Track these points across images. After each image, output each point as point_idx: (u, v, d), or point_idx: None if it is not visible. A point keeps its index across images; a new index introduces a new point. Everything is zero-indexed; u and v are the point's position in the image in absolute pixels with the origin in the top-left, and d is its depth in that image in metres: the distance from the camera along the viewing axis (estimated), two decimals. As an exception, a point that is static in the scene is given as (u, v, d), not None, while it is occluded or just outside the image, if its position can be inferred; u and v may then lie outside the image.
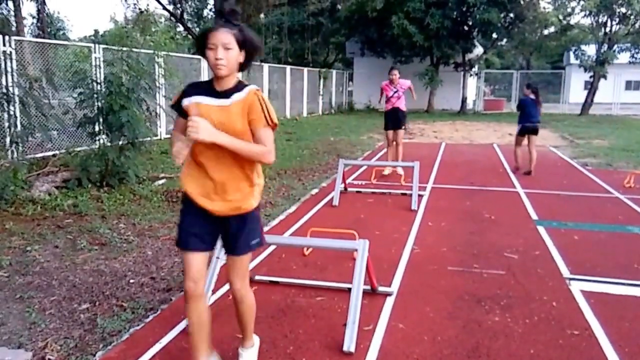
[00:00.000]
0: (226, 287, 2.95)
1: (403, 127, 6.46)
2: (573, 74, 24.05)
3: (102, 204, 4.83)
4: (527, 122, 6.74)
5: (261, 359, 2.18)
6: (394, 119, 6.39)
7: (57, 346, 2.32)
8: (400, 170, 6.28)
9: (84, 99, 5.32)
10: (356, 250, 2.52)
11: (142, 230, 4.15)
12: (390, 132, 6.46)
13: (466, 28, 19.57)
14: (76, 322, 2.58)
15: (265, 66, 15.03)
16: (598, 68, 17.71)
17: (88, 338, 2.41)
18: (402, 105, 6.41)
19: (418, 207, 4.92)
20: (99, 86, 5.48)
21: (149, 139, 5.88)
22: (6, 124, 5.64)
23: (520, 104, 6.96)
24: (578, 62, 18.80)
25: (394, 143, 6.54)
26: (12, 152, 5.48)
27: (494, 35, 20.08)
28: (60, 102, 6.11)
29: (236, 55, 1.74)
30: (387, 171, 6.48)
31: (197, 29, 24.37)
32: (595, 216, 4.73)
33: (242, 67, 1.82)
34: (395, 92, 6.37)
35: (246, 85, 1.83)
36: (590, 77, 18.73)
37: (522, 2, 18.45)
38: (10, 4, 9.59)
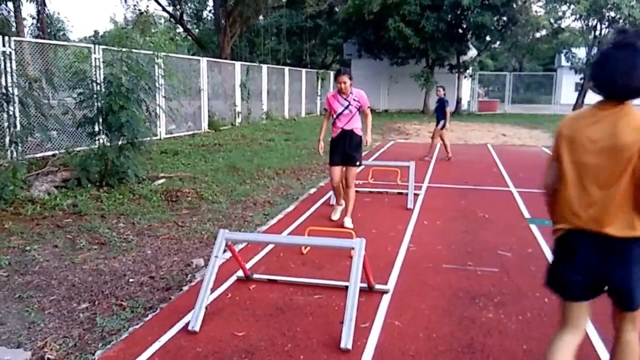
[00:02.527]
0: (224, 286, 2.99)
1: (358, 163, 4.04)
2: (564, 75, 24.36)
3: (101, 203, 4.85)
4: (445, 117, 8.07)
5: (259, 357, 2.22)
6: (345, 149, 4.00)
7: (56, 345, 2.34)
8: (348, 223, 4.13)
9: (84, 99, 5.35)
10: (353, 248, 2.56)
11: (141, 229, 4.17)
12: (337, 170, 4.02)
13: (460, 31, 19.86)
14: (75, 321, 2.60)
15: (264, 67, 15.09)
16: (588, 70, 17.97)
17: (87, 337, 2.43)
18: (358, 126, 4.07)
19: (414, 206, 4.97)
20: (98, 86, 5.51)
21: (148, 139, 5.89)
22: (6, 124, 5.66)
23: (444, 104, 8.15)
24: (569, 64, 19.16)
25: (343, 185, 4.12)
26: (12, 152, 5.49)
27: (488, 38, 20.42)
28: (60, 103, 6.13)
29: None
30: (335, 216, 4.37)
31: (197, 30, 24.44)
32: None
33: None
34: (346, 107, 4.00)
35: None
36: (581, 79, 19.06)
37: (514, 6, 18.76)
38: (10, 4, 9.62)
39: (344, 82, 4.03)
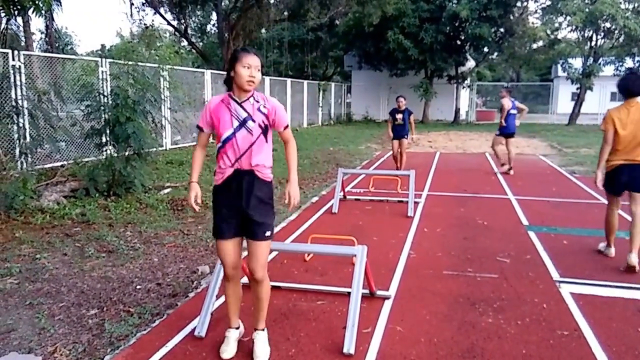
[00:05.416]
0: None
1: (268, 234, 2.32)
2: (561, 85, 24.51)
3: (109, 212, 4.93)
4: None
5: (264, 361, 2.26)
6: (241, 207, 2.24)
7: (66, 351, 2.39)
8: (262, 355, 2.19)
9: (91, 111, 5.46)
10: (355, 255, 2.61)
11: (148, 237, 4.25)
12: (229, 248, 2.26)
13: (459, 42, 20.12)
14: (84, 327, 2.65)
15: (267, 79, 15.30)
16: (584, 80, 18.22)
17: (96, 343, 2.48)
18: (265, 164, 2.37)
19: (414, 213, 5.03)
20: (105, 99, 5.62)
21: (154, 149, 5.99)
22: (16, 136, 5.78)
23: (409, 114, 7.62)
24: (565, 74, 19.32)
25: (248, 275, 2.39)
26: (22, 162, 5.59)
27: (485, 49, 20.70)
28: (68, 115, 6.25)
29: None
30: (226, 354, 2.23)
31: (201, 44, 24.80)
32: (583, 221, 4.83)
33: None
34: (242, 122, 2.16)
35: None
36: (577, 88, 19.21)
37: (511, 18, 19.03)
38: (19, 19, 9.88)
39: (254, 66, 2.06)
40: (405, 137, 7.44)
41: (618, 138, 3.40)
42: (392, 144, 7.55)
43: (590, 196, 6.10)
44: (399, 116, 7.34)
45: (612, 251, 3.73)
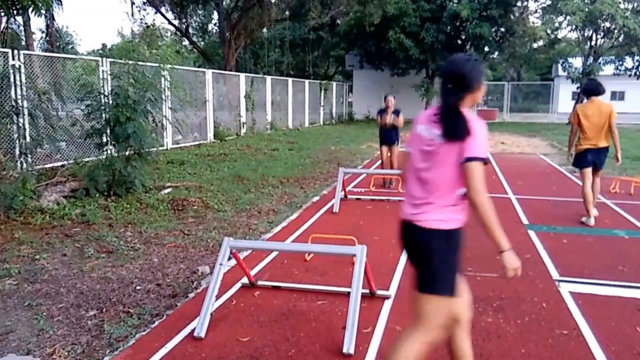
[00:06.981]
0: (230, 292, 3.04)
1: None
2: (561, 85, 24.56)
3: (109, 212, 4.93)
4: None
5: (263, 362, 2.26)
6: None
7: (64, 352, 2.38)
8: None
9: (92, 110, 5.45)
10: (355, 255, 2.60)
11: (148, 238, 4.24)
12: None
13: (459, 42, 20.13)
14: (83, 328, 2.64)
15: (268, 78, 15.29)
16: (584, 79, 18.21)
17: (95, 344, 2.47)
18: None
19: (415, 213, 5.00)
20: (106, 98, 5.62)
21: (154, 149, 5.98)
22: (15, 136, 5.78)
23: (398, 114, 6.47)
24: (566, 73, 19.36)
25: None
26: (22, 162, 5.58)
27: (486, 49, 20.68)
28: (69, 114, 6.25)
29: None
30: None
31: (202, 43, 24.81)
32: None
33: None
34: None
35: None
36: (578, 88, 19.23)
37: (512, 17, 19.05)
38: (20, 19, 9.90)
39: None
40: (397, 143, 6.46)
41: (583, 127, 4.50)
42: (381, 150, 6.53)
43: (591, 195, 6.09)
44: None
45: (592, 220, 4.60)
